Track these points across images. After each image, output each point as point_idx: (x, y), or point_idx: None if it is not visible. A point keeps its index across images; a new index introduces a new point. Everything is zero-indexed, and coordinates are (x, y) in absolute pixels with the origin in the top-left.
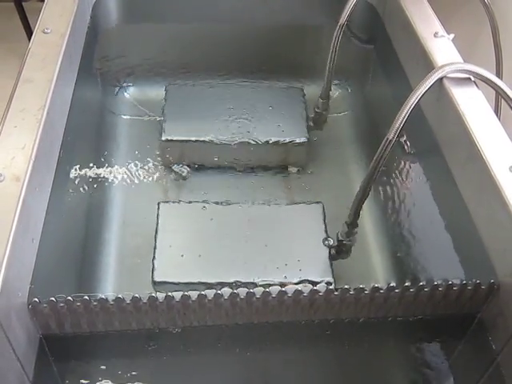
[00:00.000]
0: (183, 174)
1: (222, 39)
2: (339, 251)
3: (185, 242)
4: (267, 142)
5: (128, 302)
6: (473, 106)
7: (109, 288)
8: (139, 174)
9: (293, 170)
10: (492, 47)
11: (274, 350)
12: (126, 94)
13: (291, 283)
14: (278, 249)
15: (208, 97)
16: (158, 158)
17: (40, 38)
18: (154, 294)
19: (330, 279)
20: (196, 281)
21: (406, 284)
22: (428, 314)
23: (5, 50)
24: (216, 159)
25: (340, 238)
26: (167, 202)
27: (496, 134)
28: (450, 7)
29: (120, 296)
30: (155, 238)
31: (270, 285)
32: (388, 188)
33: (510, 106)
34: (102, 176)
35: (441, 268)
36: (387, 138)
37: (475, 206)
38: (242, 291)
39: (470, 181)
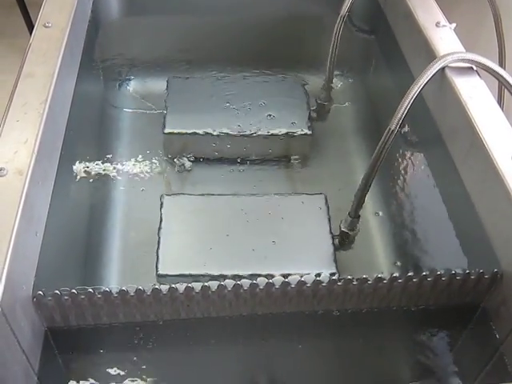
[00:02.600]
0: (186, 167)
1: (223, 31)
2: (342, 242)
3: (188, 234)
4: (269, 133)
5: (132, 294)
6: (475, 96)
7: (113, 281)
8: (142, 167)
9: (295, 161)
10: (495, 37)
11: (278, 340)
12: (127, 87)
13: (294, 274)
14: (281, 240)
15: (209, 89)
16: (161, 151)
17: (41, 33)
18: (157, 286)
19: (334, 270)
20: (200, 273)
21: (409, 274)
22: (431, 304)
23: (6, 45)
24: (219, 151)
25: (343, 229)
26: (170, 194)
27: (498, 123)
28: None
29: (124, 288)
30: (159, 230)
31: (273, 276)
32: (390, 178)
33: (511, 93)
34: (104, 169)
35: (444, 258)
36: (389, 129)
37: (478, 196)
38: (246, 282)
39: (473, 170)
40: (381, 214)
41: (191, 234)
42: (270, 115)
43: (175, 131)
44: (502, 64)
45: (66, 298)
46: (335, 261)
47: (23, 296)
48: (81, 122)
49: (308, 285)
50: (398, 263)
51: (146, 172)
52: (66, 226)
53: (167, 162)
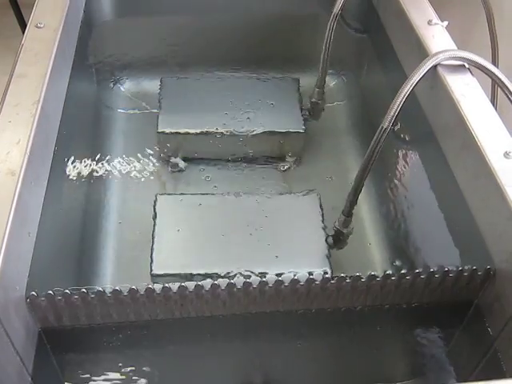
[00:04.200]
0: (180, 167)
1: (216, 31)
2: (336, 240)
3: (182, 233)
4: (263, 132)
5: (125, 293)
6: (467, 93)
7: (107, 281)
8: (136, 167)
9: (289, 160)
10: (487, 34)
11: (272, 339)
12: (121, 87)
13: (288, 272)
14: (275, 239)
15: (203, 89)
16: (155, 151)
17: (33, 33)
18: (151, 286)
19: (328, 268)
20: (193, 272)
21: (403, 271)
22: (425, 301)
23: (1, 46)
24: (212, 151)
25: (337, 228)
26: (164, 194)
27: (491, 121)
28: None
29: (117, 288)
30: (153, 230)
31: (266, 274)
32: (384, 176)
33: (503, 91)
34: (98, 169)
35: (437, 255)
36: (382, 127)
37: (471, 193)
38: (239, 281)
39: (466, 168)
40: (374, 211)
41: (185, 233)
42: (263, 114)
43: (169, 131)
44: (494, 62)
45: (59, 298)
46: (329, 259)
47: (16, 297)
48: (74, 123)
49: (301, 283)
50: (392, 261)
51: (140, 172)
52: (59, 226)
53: (161, 161)
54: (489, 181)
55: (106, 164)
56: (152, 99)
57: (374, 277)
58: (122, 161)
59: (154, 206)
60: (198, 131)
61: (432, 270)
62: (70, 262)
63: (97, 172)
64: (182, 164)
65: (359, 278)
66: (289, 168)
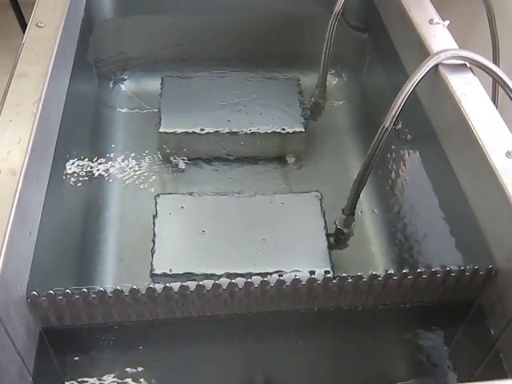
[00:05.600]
0: (180, 166)
1: (217, 30)
2: (337, 240)
3: (183, 233)
4: (264, 132)
5: (127, 293)
6: (468, 92)
7: (108, 280)
8: (136, 167)
9: (290, 159)
10: (488, 34)
11: (274, 339)
12: (121, 86)
13: (289, 272)
14: (276, 238)
15: (204, 88)
16: (156, 151)
17: (34, 32)
18: (152, 286)
19: (329, 268)
20: (194, 272)
21: (404, 271)
22: (426, 301)
23: (1, 46)
24: (213, 151)
25: (338, 227)
26: (165, 194)
27: (492, 120)
28: None
29: (118, 288)
30: (153, 230)
31: (268, 274)
32: (385, 176)
33: (505, 90)
34: (99, 169)
35: (439, 254)
36: (383, 126)
37: (472, 192)
38: (241, 281)
39: (467, 167)
40: (376, 211)
41: (186, 233)
42: (264, 114)
43: (169, 130)
44: (495, 61)
45: (60, 298)
46: (330, 258)
47: (17, 296)
48: (75, 122)
49: (303, 283)
50: (393, 260)
51: (141, 171)
52: (60, 225)
53: (162, 161)
54: (490, 180)
55: (106, 163)
56: (153, 99)
57: (376, 276)
58: (122, 160)
59: (154, 206)
60: (199, 131)
61: (434, 269)
62: (71, 262)
63: (97, 171)
64: (182, 164)
65: (361, 277)
66: (289, 167)
